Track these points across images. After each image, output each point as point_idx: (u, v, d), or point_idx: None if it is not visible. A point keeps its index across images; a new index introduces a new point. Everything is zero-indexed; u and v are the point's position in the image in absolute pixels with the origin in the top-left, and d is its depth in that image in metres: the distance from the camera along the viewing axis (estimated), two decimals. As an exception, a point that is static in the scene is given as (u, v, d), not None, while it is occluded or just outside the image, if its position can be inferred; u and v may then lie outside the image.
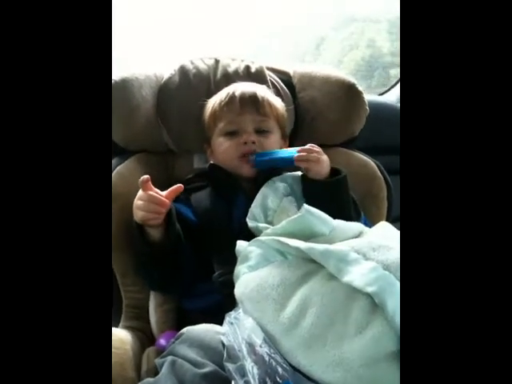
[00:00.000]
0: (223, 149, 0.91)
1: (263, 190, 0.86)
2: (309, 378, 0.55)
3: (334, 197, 0.85)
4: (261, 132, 0.92)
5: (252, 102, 0.91)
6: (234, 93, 0.92)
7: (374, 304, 0.56)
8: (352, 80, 1.04)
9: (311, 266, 0.63)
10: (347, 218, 0.78)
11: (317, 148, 0.87)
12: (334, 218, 0.73)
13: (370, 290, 0.56)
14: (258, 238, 0.71)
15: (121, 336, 0.79)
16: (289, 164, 0.87)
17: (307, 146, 0.87)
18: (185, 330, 0.65)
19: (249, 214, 0.82)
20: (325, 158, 0.87)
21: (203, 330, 0.64)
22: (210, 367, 0.56)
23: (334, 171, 0.88)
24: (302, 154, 0.85)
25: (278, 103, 0.97)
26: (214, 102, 0.95)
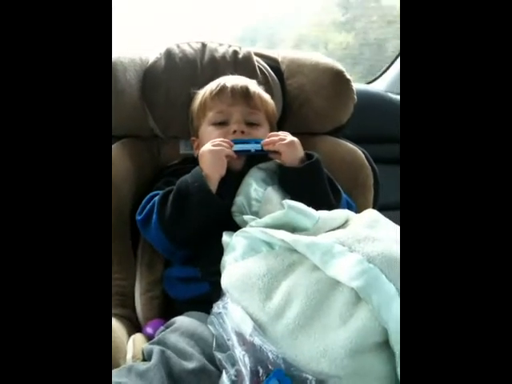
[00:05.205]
0: (212, 137, 0.90)
1: (246, 179, 0.85)
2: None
3: (309, 182, 0.84)
4: (250, 124, 0.92)
5: (243, 94, 0.91)
6: (225, 84, 0.92)
7: (358, 295, 0.57)
8: (340, 67, 1.04)
9: (297, 256, 0.64)
10: (326, 201, 0.79)
11: (283, 134, 0.88)
12: (313, 202, 0.73)
13: (354, 284, 0.57)
14: (244, 228, 0.71)
15: (107, 323, 0.79)
16: (260, 149, 0.87)
17: (273, 133, 0.89)
18: (176, 318, 0.64)
19: (234, 206, 0.81)
20: (295, 139, 0.87)
21: (195, 321, 0.63)
22: (196, 362, 0.57)
23: (308, 156, 0.88)
24: (267, 140, 0.86)
25: (269, 98, 0.97)
26: (203, 92, 0.94)
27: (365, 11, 1.41)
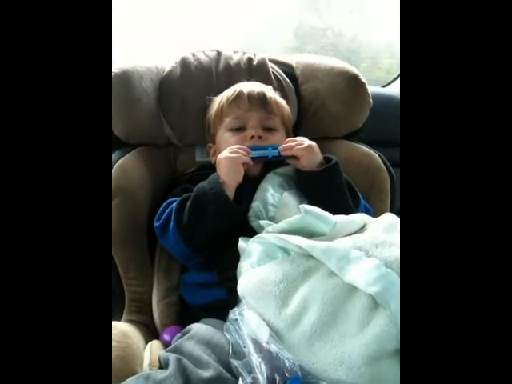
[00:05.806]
0: (229, 143, 0.90)
1: (263, 184, 0.85)
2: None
3: (328, 186, 0.84)
4: (267, 129, 0.92)
5: (260, 100, 0.92)
6: (242, 90, 0.93)
7: (376, 301, 0.56)
8: (356, 71, 1.03)
9: (313, 261, 0.63)
10: (345, 206, 0.79)
11: (300, 139, 0.88)
12: (332, 207, 0.72)
13: (371, 290, 0.56)
14: (260, 234, 0.71)
15: (123, 329, 0.79)
16: (277, 154, 0.87)
17: (290, 138, 0.89)
18: (193, 326, 0.64)
19: (250, 211, 0.81)
20: (313, 143, 0.87)
21: (211, 328, 0.63)
22: (213, 370, 0.57)
23: (326, 160, 0.88)
24: (285, 145, 0.87)
25: (284, 104, 0.98)
26: (220, 99, 0.95)
27: (311, 38, 1.75)
